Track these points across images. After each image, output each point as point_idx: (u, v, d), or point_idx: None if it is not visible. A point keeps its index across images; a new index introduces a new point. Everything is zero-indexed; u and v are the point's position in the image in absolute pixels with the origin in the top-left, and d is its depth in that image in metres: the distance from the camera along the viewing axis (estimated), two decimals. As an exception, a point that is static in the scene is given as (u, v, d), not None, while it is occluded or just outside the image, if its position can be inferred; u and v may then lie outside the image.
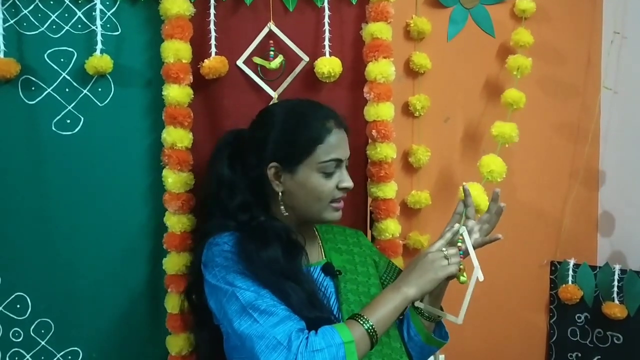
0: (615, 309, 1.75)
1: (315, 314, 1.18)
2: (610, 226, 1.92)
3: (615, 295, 1.77)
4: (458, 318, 1.26)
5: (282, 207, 1.29)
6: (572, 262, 1.83)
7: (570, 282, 1.83)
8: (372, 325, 1.16)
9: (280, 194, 1.28)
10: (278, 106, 1.37)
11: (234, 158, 1.34)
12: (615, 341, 1.80)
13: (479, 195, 1.50)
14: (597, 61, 1.91)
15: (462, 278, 1.25)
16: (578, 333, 1.87)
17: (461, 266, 1.25)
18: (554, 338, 1.91)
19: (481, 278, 1.23)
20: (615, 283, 1.77)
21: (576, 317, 1.87)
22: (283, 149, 1.27)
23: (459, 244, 1.28)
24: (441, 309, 1.36)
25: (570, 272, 1.83)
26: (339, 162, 1.28)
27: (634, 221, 1.85)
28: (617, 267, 1.77)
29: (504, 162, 1.63)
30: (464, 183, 1.39)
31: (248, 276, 1.18)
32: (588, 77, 1.90)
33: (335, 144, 1.28)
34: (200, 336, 1.38)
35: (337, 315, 1.27)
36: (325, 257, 1.37)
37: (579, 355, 1.87)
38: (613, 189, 1.92)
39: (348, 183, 1.30)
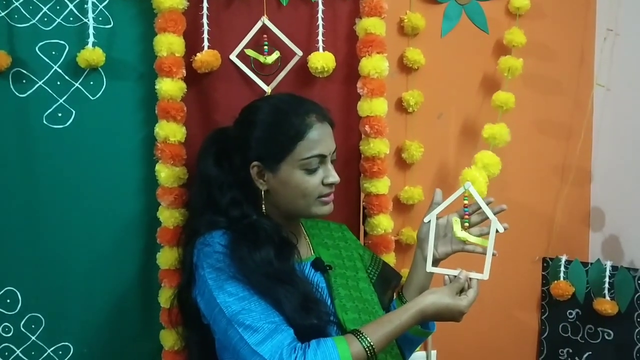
0: (606, 305, 1.76)
1: (309, 322, 1.16)
2: (602, 223, 1.93)
3: (606, 291, 1.77)
4: (484, 274, 1.26)
5: (263, 205, 1.27)
6: (563, 258, 1.84)
7: (561, 279, 1.83)
8: (371, 344, 1.13)
9: (263, 192, 1.27)
10: (260, 103, 1.34)
11: (220, 156, 1.32)
12: (606, 337, 1.81)
13: (482, 186, 1.52)
14: (590, 58, 1.91)
15: (459, 233, 1.30)
16: (569, 329, 1.88)
17: (466, 223, 1.31)
18: (546, 334, 1.92)
19: (501, 229, 1.26)
20: (607, 279, 1.77)
21: (567, 313, 1.88)
22: (264, 148, 1.26)
23: (465, 201, 1.30)
24: None
25: (562, 269, 1.83)
26: (322, 157, 1.26)
27: (626, 218, 1.86)
28: (609, 263, 1.78)
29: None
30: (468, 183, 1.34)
31: (240, 280, 1.16)
32: (581, 74, 1.91)
33: (317, 139, 1.25)
34: (190, 336, 1.36)
35: (331, 310, 1.26)
36: (313, 252, 1.37)
37: (570, 351, 1.88)
38: (605, 186, 1.92)
39: (333, 178, 1.27)
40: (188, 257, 1.27)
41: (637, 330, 1.76)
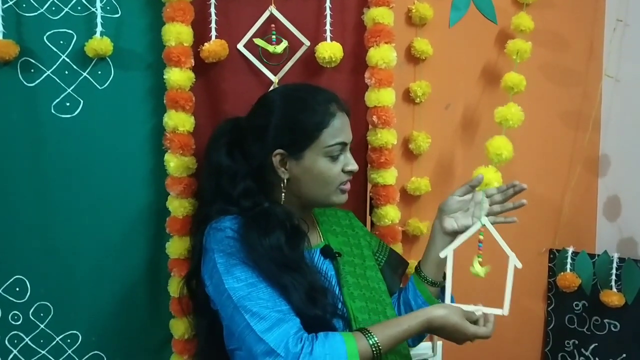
0: (613, 297, 1.76)
1: (314, 312, 1.16)
2: (610, 214, 1.92)
3: (613, 283, 1.77)
4: (503, 310, 1.26)
5: (283, 194, 1.28)
6: (570, 250, 1.84)
7: (568, 270, 1.83)
8: (377, 343, 1.14)
9: (284, 181, 1.27)
10: (276, 92, 1.36)
11: (232, 146, 1.32)
12: (613, 329, 1.81)
13: (495, 179, 1.50)
14: (600, 49, 1.90)
15: (475, 268, 1.27)
16: (575, 321, 1.88)
17: (479, 259, 1.27)
18: (552, 325, 1.92)
19: (519, 265, 1.25)
20: (614, 271, 1.77)
21: (574, 304, 1.88)
22: (287, 136, 1.26)
23: (480, 237, 1.28)
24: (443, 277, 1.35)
25: (569, 260, 1.83)
26: (344, 145, 1.28)
27: (634, 209, 1.85)
28: (616, 255, 1.78)
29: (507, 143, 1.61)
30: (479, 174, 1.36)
31: (249, 266, 1.17)
32: (590, 65, 1.90)
33: (340, 128, 1.27)
34: (199, 322, 1.38)
35: (339, 298, 1.26)
36: (323, 239, 1.37)
37: (576, 342, 1.88)
38: (613, 177, 1.92)
39: (353, 166, 1.30)
40: (198, 242, 1.28)
41: (644, 322, 1.76)
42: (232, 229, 1.22)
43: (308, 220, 1.34)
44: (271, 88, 1.52)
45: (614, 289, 1.77)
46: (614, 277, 1.77)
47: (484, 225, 1.28)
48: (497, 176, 1.53)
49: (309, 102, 1.27)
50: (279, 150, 1.26)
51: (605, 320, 1.82)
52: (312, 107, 1.26)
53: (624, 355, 1.79)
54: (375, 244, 1.48)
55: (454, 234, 1.33)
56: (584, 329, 1.86)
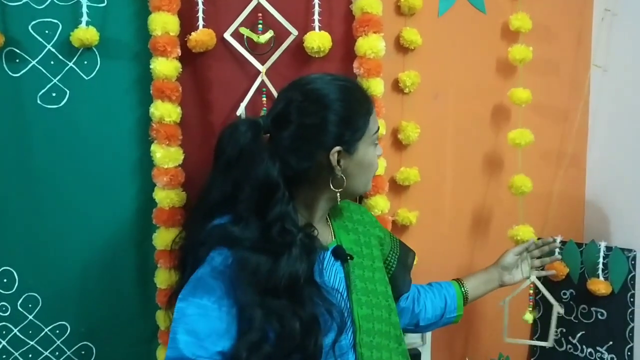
0: (600, 286, 1.77)
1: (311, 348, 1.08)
2: (597, 204, 1.94)
3: (600, 272, 1.79)
4: (548, 342, 1.67)
5: (338, 193, 1.18)
6: (559, 239, 1.84)
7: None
8: None
9: (334, 179, 1.18)
10: (322, 85, 1.20)
11: (274, 155, 1.16)
12: (599, 317, 1.83)
13: (530, 235, 1.72)
14: (588, 39, 1.90)
15: (527, 316, 1.72)
16: (563, 309, 1.89)
17: (529, 309, 1.71)
18: (540, 314, 1.93)
19: (561, 312, 1.69)
20: (601, 260, 1.78)
21: (562, 293, 1.89)
22: (345, 129, 1.17)
23: (530, 290, 1.69)
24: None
25: (557, 249, 1.84)
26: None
27: (621, 199, 1.87)
28: (603, 244, 1.79)
29: (528, 132, 1.74)
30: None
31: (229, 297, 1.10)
32: (578, 55, 1.90)
33: (374, 112, 1.24)
34: None
35: (347, 304, 1.21)
36: (334, 237, 1.29)
37: (564, 330, 1.90)
38: (601, 166, 1.93)
39: (381, 150, 1.28)
40: (197, 261, 1.16)
41: (630, 310, 1.77)
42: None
43: (323, 219, 1.28)
44: (259, 78, 1.51)
45: (601, 278, 1.78)
46: (601, 265, 1.78)
47: (533, 282, 1.64)
48: (531, 231, 1.73)
49: (356, 91, 1.22)
50: (337, 148, 1.16)
51: (593, 309, 1.84)
52: (358, 95, 1.21)
53: (611, 342, 1.80)
54: (389, 240, 1.44)
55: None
56: (572, 317, 1.88)
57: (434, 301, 1.51)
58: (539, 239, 1.67)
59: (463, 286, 1.54)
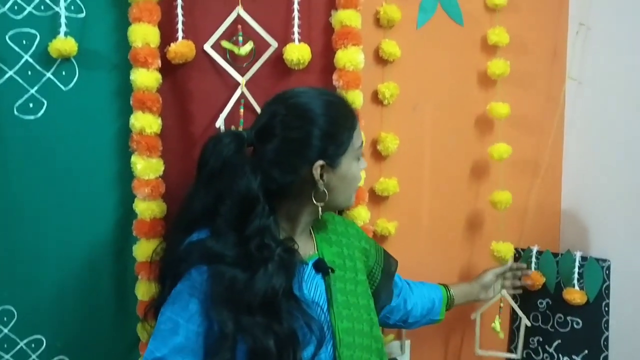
0: (575, 295, 1.80)
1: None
2: (573, 214, 1.96)
3: (575, 281, 1.81)
4: (517, 354, 1.83)
5: (319, 207, 1.19)
6: (535, 249, 1.87)
7: (533, 269, 1.87)
8: None
9: (316, 193, 1.18)
10: (306, 100, 1.21)
11: (256, 169, 1.17)
12: (575, 326, 1.85)
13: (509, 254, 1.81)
14: (563, 52, 1.93)
15: (495, 324, 1.78)
16: (540, 318, 1.91)
17: (499, 321, 1.78)
18: (517, 323, 1.95)
19: (529, 324, 1.80)
20: (576, 270, 1.81)
21: (538, 302, 1.91)
22: (328, 143, 1.18)
23: (501, 304, 1.78)
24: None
25: (534, 259, 1.86)
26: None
27: (596, 209, 1.90)
28: (578, 254, 1.81)
29: (508, 147, 1.80)
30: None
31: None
32: (553, 68, 1.93)
33: (358, 126, 1.25)
34: None
35: (326, 317, 1.21)
36: (317, 249, 1.30)
37: (540, 339, 1.92)
38: (576, 178, 1.96)
39: (365, 163, 1.29)
40: (176, 277, 1.16)
41: (604, 319, 1.80)
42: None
43: (306, 231, 1.29)
44: (239, 90, 1.51)
45: (577, 287, 1.81)
46: (576, 275, 1.81)
47: (504, 296, 1.77)
48: (511, 249, 1.82)
49: (340, 106, 1.23)
50: (320, 162, 1.17)
51: (569, 318, 1.86)
52: (343, 109, 1.22)
53: (586, 351, 1.83)
54: (374, 252, 1.44)
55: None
56: (548, 326, 1.90)
57: (423, 302, 1.58)
58: (516, 258, 1.81)
59: (449, 292, 1.64)
